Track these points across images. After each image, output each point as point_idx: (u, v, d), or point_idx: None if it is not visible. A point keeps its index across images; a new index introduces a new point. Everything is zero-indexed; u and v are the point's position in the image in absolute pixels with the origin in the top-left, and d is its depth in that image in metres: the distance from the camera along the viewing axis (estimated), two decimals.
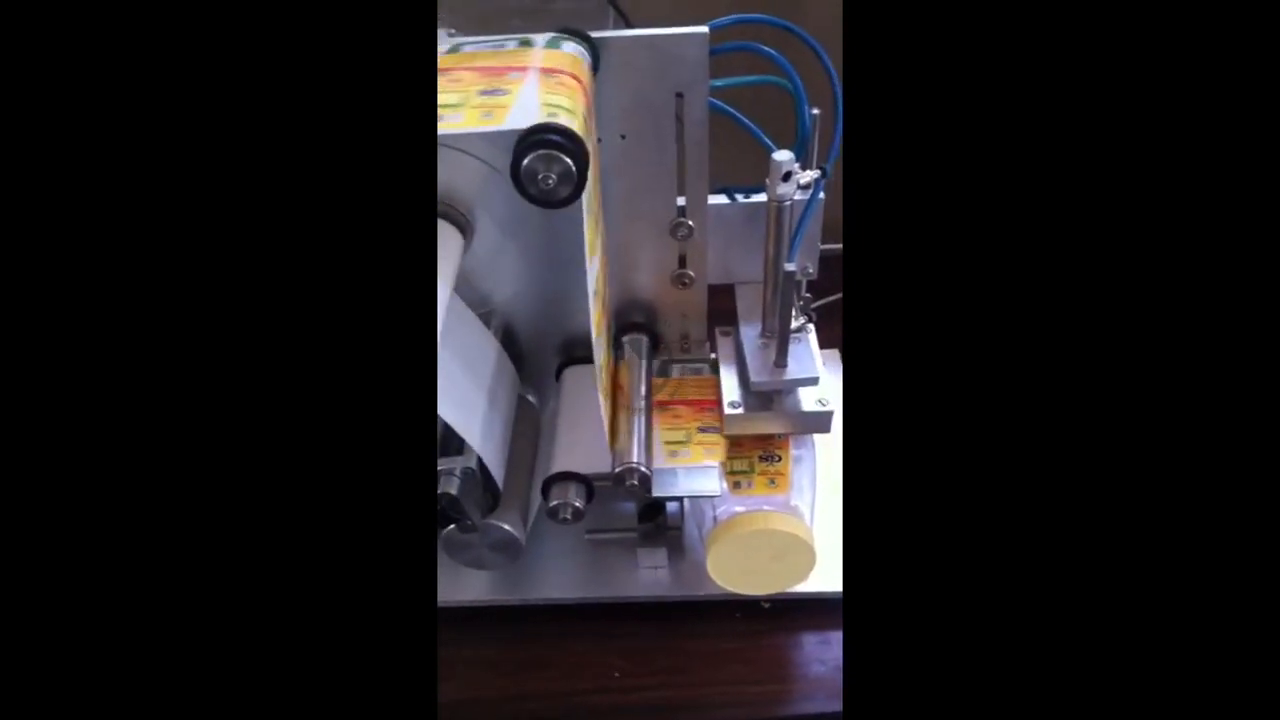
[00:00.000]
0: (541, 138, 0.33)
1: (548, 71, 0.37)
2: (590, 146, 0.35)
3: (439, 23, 0.42)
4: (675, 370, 0.54)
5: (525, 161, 0.34)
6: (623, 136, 0.44)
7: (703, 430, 0.49)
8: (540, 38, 0.40)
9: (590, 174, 0.35)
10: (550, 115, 0.34)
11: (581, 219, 0.36)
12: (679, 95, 0.42)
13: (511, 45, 0.40)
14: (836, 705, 0.48)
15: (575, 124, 0.34)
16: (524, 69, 0.37)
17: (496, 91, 0.35)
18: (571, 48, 0.39)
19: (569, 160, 0.34)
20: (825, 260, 0.51)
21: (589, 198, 0.37)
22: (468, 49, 0.40)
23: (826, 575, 0.49)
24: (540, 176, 0.34)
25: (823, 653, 0.51)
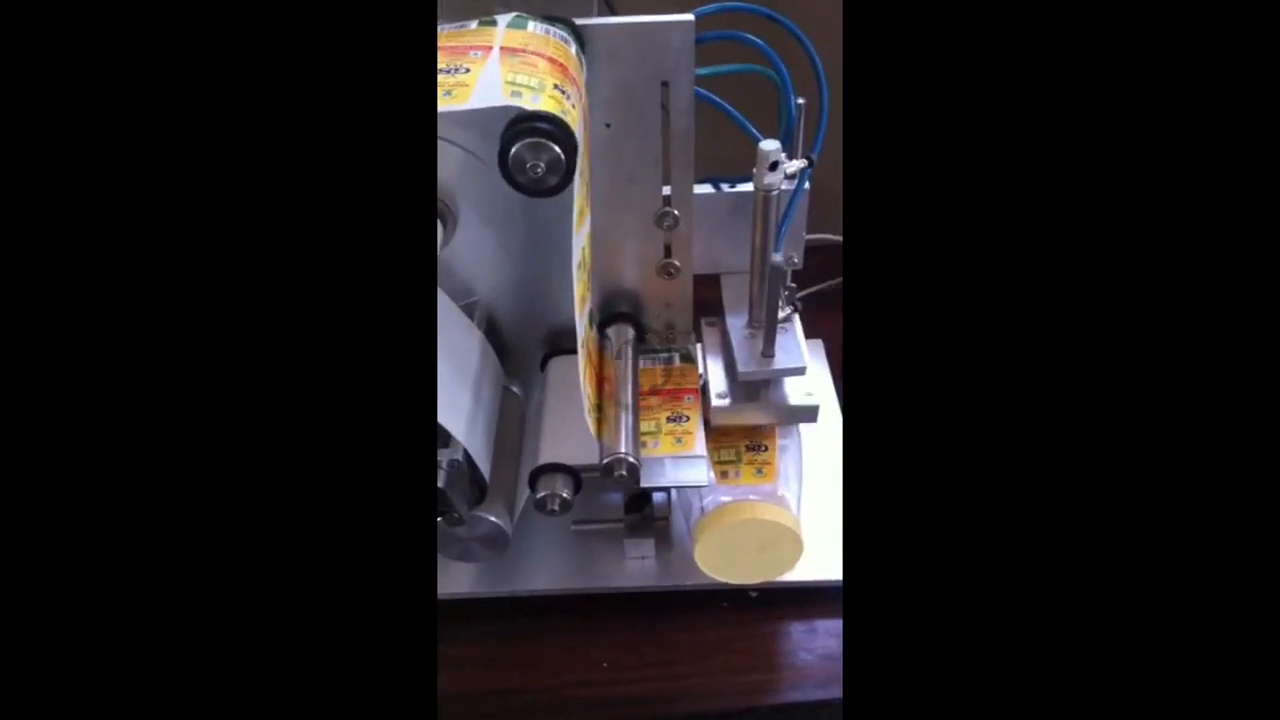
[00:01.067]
0: (530, 125, 0.33)
1: (511, 50, 0.36)
2: (571, 123, 0.34)
3: None
4: (643, 361, 0.52)
5: (514, 149, 0.33)
6: (607, 125, 0.43)
7: (672, 420, 0.48)
8: (504, 18, 0.39)
9: (583, 141, 0.34)
10: (513, 95, 0.33)
11: (571, 200, 0.36)
12: (664, 84, 0.42)
13: (473, 26, 0.39)
14: (823, 694, 0.49)
15: (541, 102, 0.33)
16: (486, 48, 0.36)
17: (457, 70, 0.34)
18: (539, 28, 0.38)
19: (557, 148, 0.33)
20: (810, 250, 0.51)
21: (580, 164, 0.36)
22: None
23: (814, 564, 0.49)
24: (529, 165, 0.34)
25: (810, 641, 0.51)
